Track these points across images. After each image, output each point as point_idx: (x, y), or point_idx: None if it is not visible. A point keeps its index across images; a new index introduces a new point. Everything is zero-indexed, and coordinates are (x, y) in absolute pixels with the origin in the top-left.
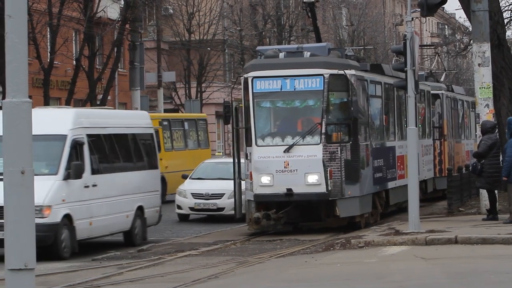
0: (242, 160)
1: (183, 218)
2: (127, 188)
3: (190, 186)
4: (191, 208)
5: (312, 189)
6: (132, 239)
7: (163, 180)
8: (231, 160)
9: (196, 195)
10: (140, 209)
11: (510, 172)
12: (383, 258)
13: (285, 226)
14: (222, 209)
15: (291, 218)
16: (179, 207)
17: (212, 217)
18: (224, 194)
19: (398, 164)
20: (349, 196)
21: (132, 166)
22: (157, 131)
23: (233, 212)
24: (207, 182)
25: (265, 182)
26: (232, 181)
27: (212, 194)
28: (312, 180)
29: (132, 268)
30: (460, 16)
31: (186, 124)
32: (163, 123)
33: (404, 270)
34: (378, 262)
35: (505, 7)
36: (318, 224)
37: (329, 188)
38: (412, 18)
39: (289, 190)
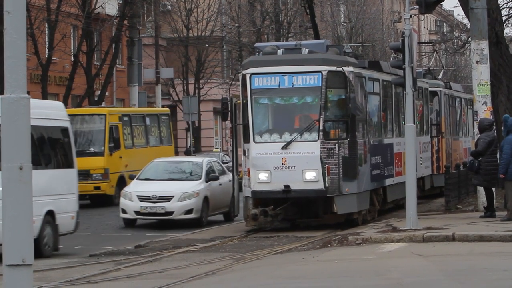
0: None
1: (129, 223)
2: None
3: (136, 187)
4: (137, 212)
5: (309, 185)
6: (40, 249)
7: (123, 179)
8: (183, 159)
9: (142, 198)
10: (50, 214)
11: (508, 169)
12: (380, 255)
13: (282, 223)
14: (170, 213)
15: (289, 214)
16: (123, 211)
17: (162, 222)
18: (173, 196)
19: (396, 161)
20: (347, 193)
21: (39, 163)
22: (117, 127)
23: (183, 216)
24: (156, 183)
25: (263, 179)
26: (184, 182)
27: (160, 196)
28: (310, 177)
29: (129, 264)
30: (459, 13)
31: (147, 119)
32: (123, 118)
33: (402, 267)
34: (376, 259)
35: (504, 4)
36: (315, 220)
37: (327, 185)
38: (411, 15)
39: (287, 186)
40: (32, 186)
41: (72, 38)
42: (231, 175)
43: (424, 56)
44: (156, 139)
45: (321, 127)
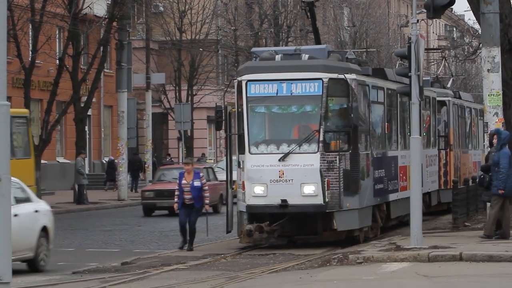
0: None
1: None
2: None
3: None
4: None
5: (308, 200)
6: None
7: None
8: None
9: None
10: None
11: (507, 184)
12: (382, 275)
13: (279, 240)
14: None
15: (286, 231)
16: None
17: None
18: None
19: (401, 175)
20: (348, 209)
21: None
22: None
23: None
24: None
25: (258, 193)
26: None
27: None
28: (309, 191)
29: (115, 282)
30: (470, 18)
31: None
32: None
33: None
34: (378, 280)
35: None
36: (314, 237)
37: (327, 200)
38: (418, 20)
39: (284, 201)
40: (10, 198)
41: (57, 40)
42: (43, 204)
43: (432, 63)
44: None
45: (321, 138)
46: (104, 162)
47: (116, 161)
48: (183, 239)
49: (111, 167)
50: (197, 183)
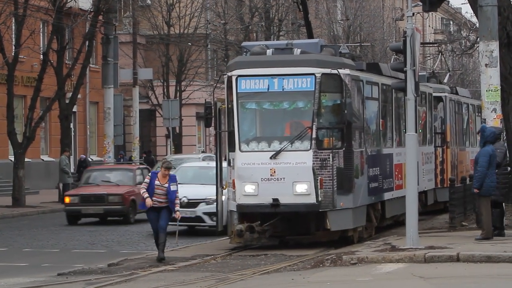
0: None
1: None
2: None
3: None
4: None
5: (300, 199)
6: None
7: None
8: None
9: None
10: None
11: (483, 184)
12: (377, 277)
13: (270, 240)
14: None
15: (277, 231)
16: None
17: None
18: None
19: (396, 173)
20: (341, 208)
21: None
22: None
23: None
24: None
25: (249, 191)
26: None
27: None
28: (301, 190)
29: (101, 284)
30: (467, 11)
31: None
32: None
33: None
34: (372, 281)
35: None
36: (306, 238)
37: (319, 199)
38: (413, 13)
39: (276, 200)
40: None
41: (41, 34)
42: None
43: (429, 58)
44: None
45: (313, 135)
46: (91, 160)
47: (88, 159)
48: (161, 253)
49: (83, 166)
50: (173, 187)
